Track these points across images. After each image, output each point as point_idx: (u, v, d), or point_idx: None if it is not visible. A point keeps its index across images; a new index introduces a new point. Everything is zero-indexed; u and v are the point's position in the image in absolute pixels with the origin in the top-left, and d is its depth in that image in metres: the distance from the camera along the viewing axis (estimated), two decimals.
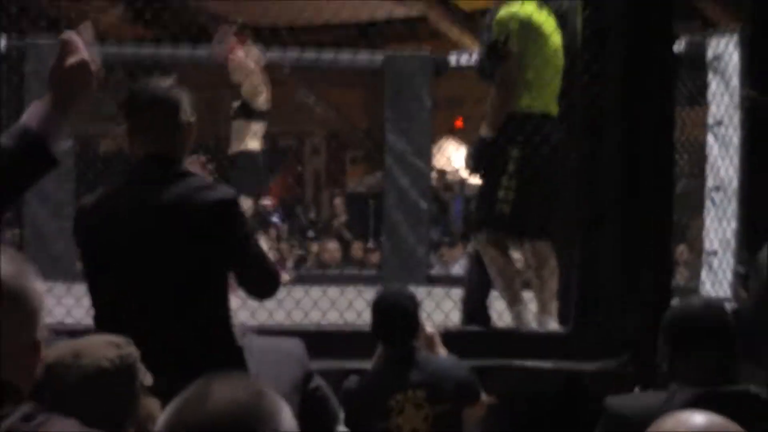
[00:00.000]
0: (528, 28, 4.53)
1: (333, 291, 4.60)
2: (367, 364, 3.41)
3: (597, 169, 4.11)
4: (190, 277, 2.72)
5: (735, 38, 5.95)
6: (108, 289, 2.76)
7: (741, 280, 5.10)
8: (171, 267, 2.73)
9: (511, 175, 4.52)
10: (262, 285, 2.85)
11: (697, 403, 2.48)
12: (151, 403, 2.02)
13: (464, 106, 12.88)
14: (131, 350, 2.02)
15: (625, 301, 4.03)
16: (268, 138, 7.90)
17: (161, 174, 2.78)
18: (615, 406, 2.59)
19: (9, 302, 1.48)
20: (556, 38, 4.67)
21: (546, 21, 4.63)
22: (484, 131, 4.64)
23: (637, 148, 4.02)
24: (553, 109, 4.64)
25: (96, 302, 2.77)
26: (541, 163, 4.49)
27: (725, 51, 6.07)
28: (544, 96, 4.61)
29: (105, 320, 2.73)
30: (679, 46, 4.78)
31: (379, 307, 3.34)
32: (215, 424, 1.28)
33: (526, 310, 4.61)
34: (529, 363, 4.02)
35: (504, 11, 4.56)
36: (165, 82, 2.97)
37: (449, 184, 11.67)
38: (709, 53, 6.16)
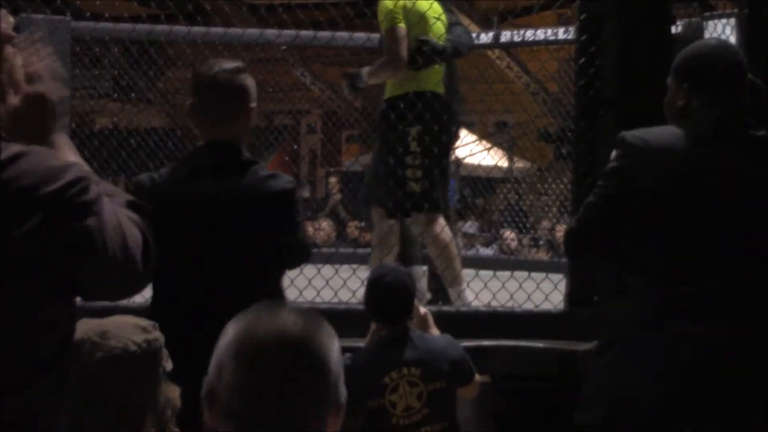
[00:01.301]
0: (411, 14, 4.80)
1: (327, 270, 4.61)
2: (361, 343, 3.42)
3: (593, 152, 4.11)
4: (258, 262, 2.87)
5: (732, 21, 5.94)
6: (174, 273, 2.77)
7: None
8: (242, 253, 2.84)
9: (415, 154, 4.79)
10: (299, 261, 3.10)
11: (715, 135, 2.58)
12: (172, 390, 2.03)
13: (460, 87, 12.84)
14: (157, 335, 2.05)
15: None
16: (264, 116, 7.89)
17: (230, 162, 2.88)
18: (630, 135, 2.63)
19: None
20: (440, 25, 4.95)
21: (430, 8, 4.91)
22: (365, 72, 4.95)
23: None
24: (440, 89, 4.94)
25: (158, 285, 2.79)
26: (438, 138, 4.79)
27: (723, 32, 6.07)
28: (431, 77, 4.90)
29: (166, 301, 2.85)
30: (676, 28, 4.78)
31: (375, 286, 3.35)
32: (281, 340, 1.43)
33: (467, 288, 4.77)
34: (523, 343, 4.03)
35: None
36: (233, 65, 2.96)
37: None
38: (707, 34, 6.14)
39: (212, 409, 1.44)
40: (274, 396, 1.41)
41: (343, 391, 1.49)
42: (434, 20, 4.94)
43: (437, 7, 4.97)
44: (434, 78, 4.94)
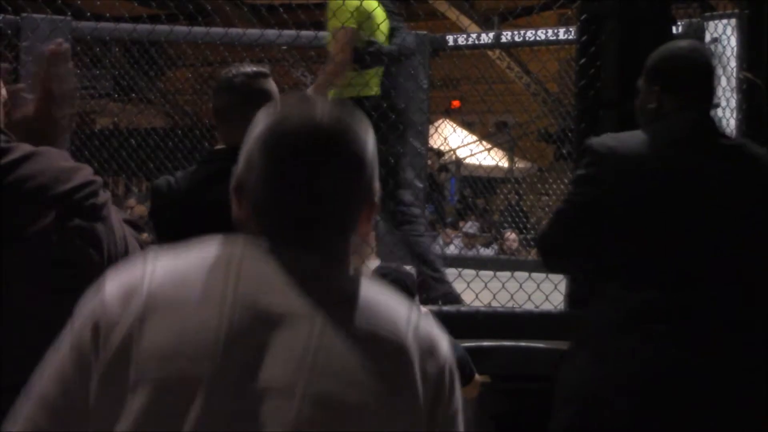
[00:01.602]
0: (360, 13, 4.87)
1: None
2: None
3: None
4: None
5: (733, 21, 5.95)
6: None
7: None
8: None
9: None
10: None
11: (687, 139, 2.58)
12: None
13: (461, 87, 12.86)
14: None
15: None
16: None
17: None
18: (598, 143, 2.63)
19: None
20: (384, 26, 5.04)
21: (376, 10, 4.99)
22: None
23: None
24: (377, 90, 5.05)
25: None
26: (385, 139, 4.79)
27: (723, 34, 6.08)
28: (375, 79, 5.03)
29: None
30: (676, 29, 4.79)
31: None
32: (314, 129, 1.31)
33: None
34: (523, 343, 4.03)
35: None
36: (255, 70, 2.94)
37: (444, 165, 11.68)
38: (707, 36, 6.16)
39: (241, 203, 1.36)
40: (305, 187, 1.31)
41: (377, 188, 1.37)
42: (381, 21, 5.02)
43: (381, 10, 5.06)
44: (377, 80, 5.04)
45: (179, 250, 1.31)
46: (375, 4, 4.98)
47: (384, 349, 1.25)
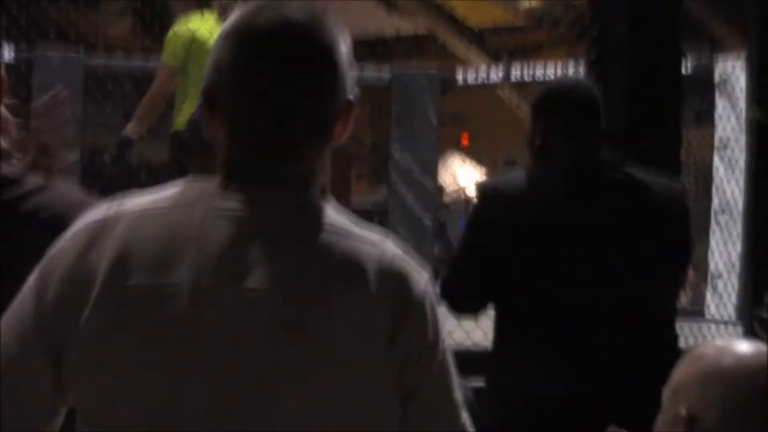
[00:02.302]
0: (189, 45, 4.73)
1: None
2: None
3: None
4: None
5: (742, 60, 5.97)
6: None
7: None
8: None
9: None
10: None
11: (567, 175, 2.61)
12: None
13: (471, 123, 12.91)
14: None
15: None
16: None
17: None
18: (486, 185, 2.76)
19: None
20: None
21: (211, 39, 4.85)
22: (130, 128, 5.08)
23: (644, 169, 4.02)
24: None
25: None
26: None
27: (732, 73, 6.10)
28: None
29: None
30: (686, 66, 4.80)
31: None
32: (283, 26, 1.27)
33: None
34: None
35: (175, 27, 4.81)
36: None
37: (444, 204, 11.71)
38: (717, 75, 6.18)
39: (212, 115, 1.30)
40: (276, 87, 1.26)
41: (352, 90, 1.32)
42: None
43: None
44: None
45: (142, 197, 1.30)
46: (212, 29, 4.78)
47: (352, 271, 1.25)
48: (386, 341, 1.24)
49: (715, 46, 7.21)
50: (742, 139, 5.74)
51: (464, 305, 2.76)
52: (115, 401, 1.21)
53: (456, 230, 11.63)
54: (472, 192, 12.49)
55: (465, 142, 13.55)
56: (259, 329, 1.20)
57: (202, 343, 1.20)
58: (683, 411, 1.47)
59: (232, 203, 1.25)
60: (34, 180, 1.61)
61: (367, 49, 10.70)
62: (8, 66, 6.86)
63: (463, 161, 13.31)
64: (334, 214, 1.30)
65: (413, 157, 8.70)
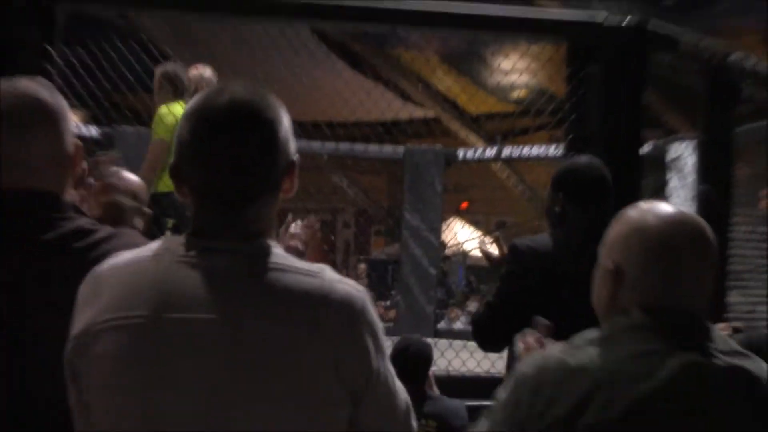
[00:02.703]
0: (173, 123, 4.60)
1: None
2: None
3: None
4: None
5: (692, 143, 6.01)
6: None
7: None
8: None
9: None
10: None
11: (584, 240, 2.54)
12: None
13: (469, 192, 12.95)
14: None
15: None
16: (306, 214, 7.99)
17: None
18: (520, 243, 2.67)
19: (39, 115, 1.51)
20: None
21: None
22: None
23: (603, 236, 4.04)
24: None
25: None
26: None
27: (683, 153, 6.14)
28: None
29: None
30: (645, 149, 4.85)
31: (404, 351, 3.40)
32: (233, 105, 1.28)
33: None
34: None
35: (161, 108, 4.70)
36: None
37: (446, 256, 11.69)
38: (670, 155, 6.21)
39: (180, 185, 1.32)
40: (227, 154, 1.26)
41: (293, 151, 1.33)
42: None
43: None
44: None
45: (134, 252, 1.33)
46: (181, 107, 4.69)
47: (301, 307, 1.23)
48: (333, 362, 1.22)
49: (669, 131, 7.26)
50: (693, 208, 5.75)
51: (493, 345, 2.74)
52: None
53: (455, 278, 11.62)
54: (469, 248, 12.49)
55: (464, 207, 13.58)
56: (207, 355, 1.20)
57: (162, 367, 1.20)
58: (611, 264, 1.45)
59: (193, 252, 1.26)
60: (106, 229, 1.58)
61: (385, 130, 10.80)
62: (94, 140, 6.96)
63: (463, 223, 13.33)
64: (282, 255, 1.28)
65: (421, 218, 8.75)
